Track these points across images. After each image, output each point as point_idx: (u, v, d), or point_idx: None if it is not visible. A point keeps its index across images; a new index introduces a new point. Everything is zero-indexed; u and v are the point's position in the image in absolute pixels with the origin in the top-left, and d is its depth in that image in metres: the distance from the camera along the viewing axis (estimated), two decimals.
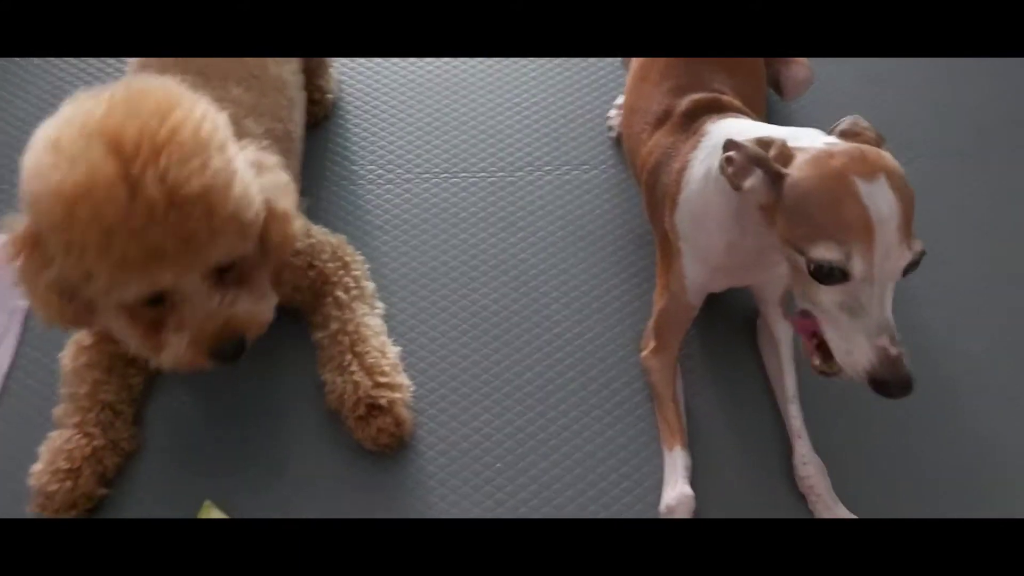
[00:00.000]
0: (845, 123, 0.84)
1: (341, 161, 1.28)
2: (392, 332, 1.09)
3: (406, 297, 1.15)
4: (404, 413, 1.00)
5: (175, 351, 0.81)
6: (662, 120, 1.03)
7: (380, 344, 1.03)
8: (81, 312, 0.81)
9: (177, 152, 0.73)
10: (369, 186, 1.26)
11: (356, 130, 1.32)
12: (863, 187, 0.72)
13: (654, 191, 1.03)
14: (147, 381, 1.06)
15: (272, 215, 0.84)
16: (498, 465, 1.02)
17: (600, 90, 1.36)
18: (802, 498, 0.98)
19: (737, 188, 0.81)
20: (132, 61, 0.99)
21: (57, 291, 0.78)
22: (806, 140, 0.80)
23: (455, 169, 1.28)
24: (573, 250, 1.19)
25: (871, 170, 0.73)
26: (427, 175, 1.27)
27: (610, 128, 1.30)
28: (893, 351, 0.71)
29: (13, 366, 1.09)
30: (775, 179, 0.78)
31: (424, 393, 1.07)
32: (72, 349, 1.01)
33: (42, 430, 1.01)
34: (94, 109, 0.75)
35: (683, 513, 0.95)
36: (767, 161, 0.78)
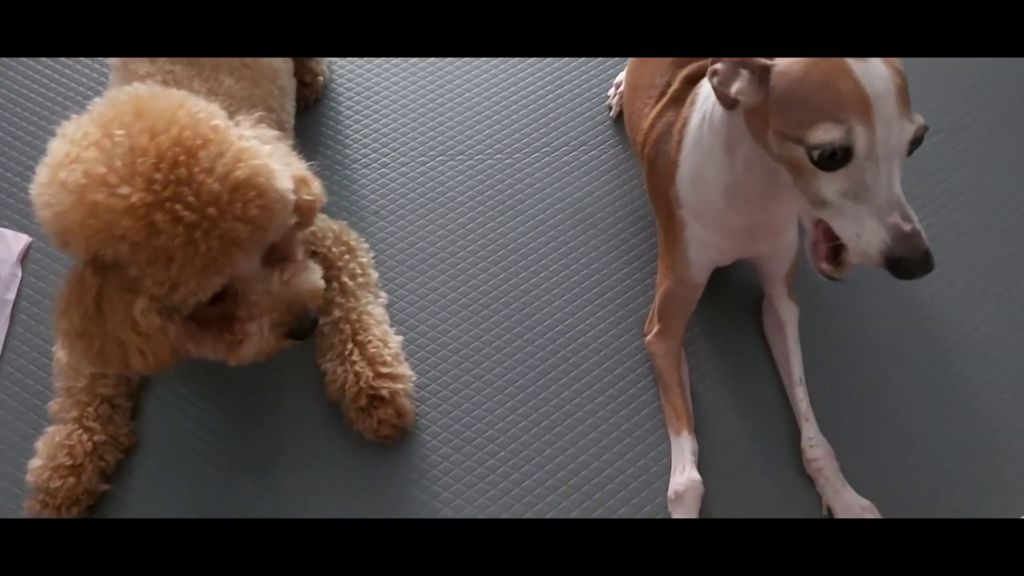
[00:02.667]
0: None
1: (333, 145, 1.25)
2: (391, 319, 1.07)
3: (404, 284, 1.13)
4: (406, 404, 0.99)
5: (258, 340, 0.82)
6: (664, 93, 1.02)
7: (382, 333, 1.01)
8: (182, 332, 0.80)
9: (211, 147, 0.74)
10: (363, 170, 1.23)
11: (348, 112, 1.29)
12: (855, 64, 0.70)
13: (656, 164, 1.01)
14: (144, 375, 1.03)
15: (296, 180, 0.84)
16: (502, 453, 1.01)
17: (598, 68, 1.33)
18: (810, 481, 0.97)
19: (724, 100, 0.79)
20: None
21: (158, 313, 0.77)
22: None
23: (451, 152, 1.25)
24: (573, 233, 1.18)
25: None
26: (423, 158, 1.24)
27: (609, 108, 1.28)
28: (907, 226, 0.68)
29: (1, 359, 1.06)
30: (762, 75, 0.76)
31: (425, 382, 1.05)
32: None
33: (34, 426, 0.99)
34: (107, 139, 0.74)
35: (691, 498, 0.94)
36: (750, 60, 0.76)
